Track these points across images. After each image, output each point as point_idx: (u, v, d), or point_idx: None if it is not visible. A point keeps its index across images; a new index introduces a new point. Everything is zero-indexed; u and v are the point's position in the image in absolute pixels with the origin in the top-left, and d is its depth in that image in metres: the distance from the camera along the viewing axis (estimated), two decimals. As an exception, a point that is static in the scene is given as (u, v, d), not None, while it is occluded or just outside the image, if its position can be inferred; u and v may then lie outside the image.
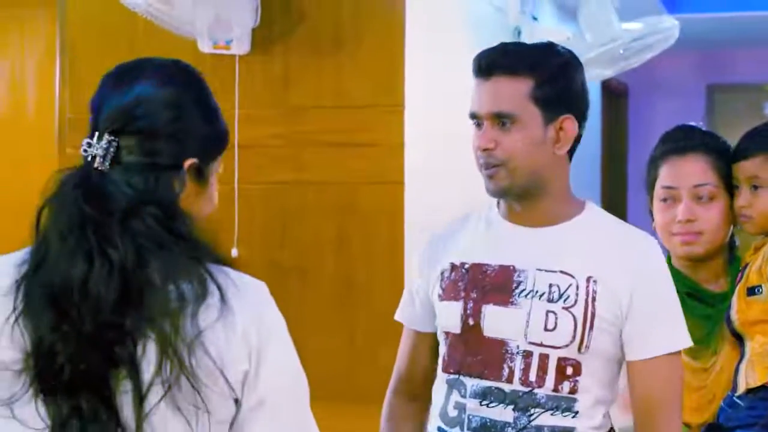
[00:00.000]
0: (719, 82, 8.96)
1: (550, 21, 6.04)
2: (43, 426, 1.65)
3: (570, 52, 2.44)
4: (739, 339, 2.62)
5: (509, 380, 2.31)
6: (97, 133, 1.74)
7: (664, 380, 2.34)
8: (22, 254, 1.73)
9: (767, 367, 2.53)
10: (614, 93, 8.33)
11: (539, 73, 2.33)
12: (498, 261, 2.38)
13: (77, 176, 1.71)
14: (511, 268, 2.36)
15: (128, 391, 1.64)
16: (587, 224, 2.40)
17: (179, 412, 1.66)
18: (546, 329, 2.31)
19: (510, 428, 2.30)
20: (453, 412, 2.37)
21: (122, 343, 1.64)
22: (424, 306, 2.50)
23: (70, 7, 4.37)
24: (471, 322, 2.36)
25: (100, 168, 1.71)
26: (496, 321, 2.34)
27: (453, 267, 2.42)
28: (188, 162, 1.76)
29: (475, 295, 2.37)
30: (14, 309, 1.65)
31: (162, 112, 1.75)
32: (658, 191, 2.74)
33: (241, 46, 3.98)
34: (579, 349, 2.30)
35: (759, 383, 2.53)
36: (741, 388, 2.56)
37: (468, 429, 2.33)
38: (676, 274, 2.65)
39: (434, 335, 2.49)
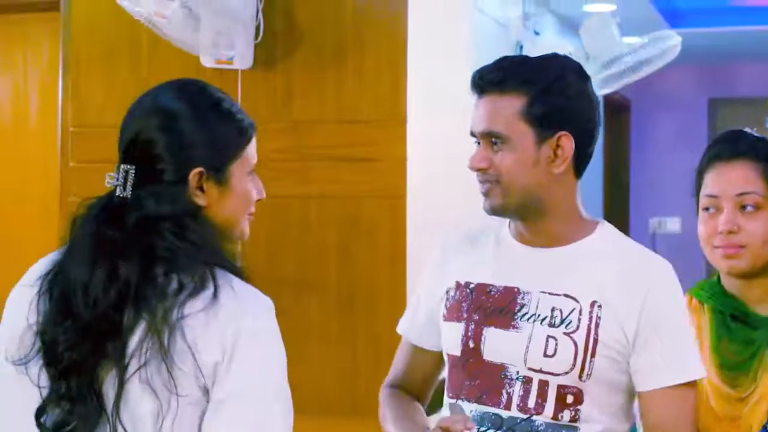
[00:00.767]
0: (721, 96, 8.98)
1: (552, 36, 6.06)
2: (46, 386, 1.88)
3: (572, 62, 2.33)
4: None
5: (507, 406, 2.22)
6: (118, 165, 1.96)
7: (674, 412, 2.22)
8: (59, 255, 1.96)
9: None
10: (616, 107, 8.34)
11: (531, 89, 2.23)
12: (503, 282, 2.30)
13: (102, 201, 1.95)
14: (516, 289, 2.28)
15: (114, 377, 1.85)
16: (597, 246, 2.30)
17: (152, 392, 1.82)
18: (546, 355, 2.21)
19: None
20: None
21: (115, 337, 1.84)
22: (429, 321, 2.43)
23: (74, 22, 4.38)
24: (471, 344, 2.28)
25: (121, 195, 1.93)
26: (496, 344, 2.25)
27: (458, 286, 2.35)
28: (193, 172, 1.93)
29: (477, 317, 2.29)
30: (34, 301, 1.91)
31: (157, 137, 1.94)
32: (702, 200, 2.47)
33: (243, 61, 3.99)
34: (580, 377, 2.20)
35: None
36: None
37: None
38: (720, 295, 2.48)
39: (436, 353, 2.43)
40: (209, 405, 1.84)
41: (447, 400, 2.34)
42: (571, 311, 2.22)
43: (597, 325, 2.20)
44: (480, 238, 2.41)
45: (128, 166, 1.93)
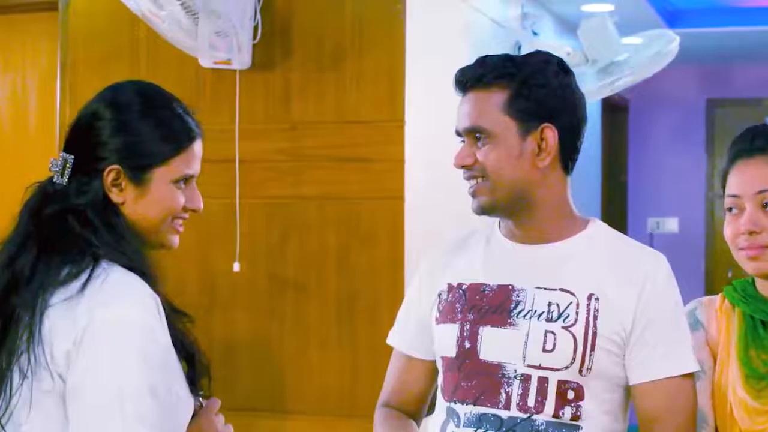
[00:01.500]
0: (719, 96, 8.98)
1: (550, 36, 6.06)
2: None
3: (554, 57, 2.32)
4: None
5: (506, 406, 2.20)
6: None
7: (667, 404, 2.21)
8: None
9: None
10: (614, 107, 8.34)
11: (512, 82, 2.24)
12: (496, 281, 2.28)
13: (40, 188, 2.08)
14: (510, 287, 2.26)
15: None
16: (591, 241, 2.30)
17: (23, 377, 1.91)
18: (544, 350, 2.19)
19: None
20: None
21: (4, 322, 1.95)
22: (420, 330, 2.40)
23: (72, 23, 4.38)
24: (467, 345, 2.25)
25: (57, 181, 2.05)
26: (493, 343, 2.23)
27: (450, 288, 2.34)
28: (108, 169, 2.02)
29: (472, 317, 2.26)
30: None
31: (81, 131, 2.06)
32: (726, 200, 2.35)
33: (241, 62, 3.99)
34: (580, 371, 2.18)
35: None
36: None
37: None
38: (752, 298, 2.35)
39: (429, 363, 2.41)
40: (65, 394, 1.90)
41: (442, 403, 2.31)
42: (569, 305, 2.21)
43: (595, 317, 2.20)
44: (470, 240, 2.41)
45: (67, 155, 2.05)
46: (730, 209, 2.34)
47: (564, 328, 2.20)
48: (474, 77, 2.27)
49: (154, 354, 1.91)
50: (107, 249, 1.97)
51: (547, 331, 2.20)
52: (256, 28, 4.01)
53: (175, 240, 2.12)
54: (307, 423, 4.03)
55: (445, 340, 2.31)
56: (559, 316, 2.21)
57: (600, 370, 2.20)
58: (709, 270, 8.80)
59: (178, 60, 4.07)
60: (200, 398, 2.10)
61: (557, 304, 2.22)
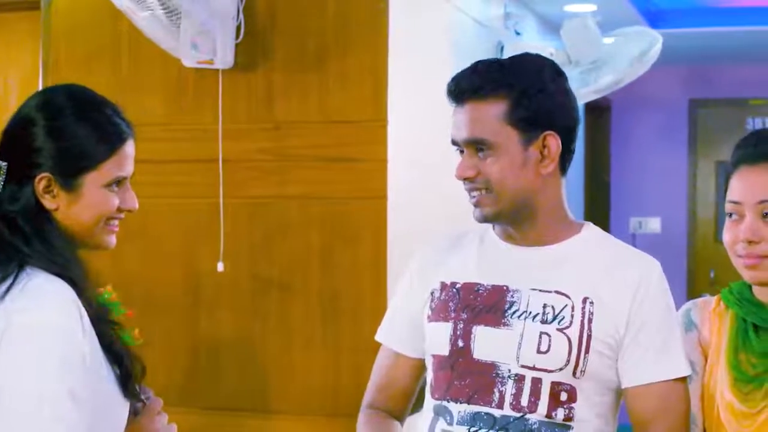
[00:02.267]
0: (702, 96, 9.00)
1: (533, 36, 6.07)
2: None
3: (546, 60, 2.31)
4: None
5: (500, 405, 2.20)
6: None
7: (660, 406, 2.22)
8: None
9: None
10: (597, 107, 8.36)
11: (512, 92, 2.22)
12: (491, 281, 2.28)
13: None
14: (504, 288, 2.26)
15: None
16: (586, 244, 2.31)
17: None
18: (539, 351, 2.20)
19: None
20: None
21: None
22: (410, 326, 2.40)
23: (54, 23, 4.36)
24: (460, 344, 2.25)
25: None
26: (486, 343, 2.23)
27: (443, 287, 2.33)
28: (39, 176, 2.01)
29: (465, 316, 2.26)
30: None
31: (15, 137, 2.04)
32: (726, 204, 2.34)
33: (224, 62, 3.98)
34: (574, 373, 2.20)
35: None
36: None
37: None
38: (747, 302, 2.35)
39: (416, 361, 2.41)
40: None
41: (431, 401, 2.31)
42: (564, 307, 2.22)
43: (590, 320, 2.21)
44: (463, 239, 2.41)
45: (1, 162, 2.03)
46: (730, 215, 2.32)
47: (559, 330, 2.21)
48: (470, 88, 2.24)
49: (75, 357, 1.90)
50: (37, 256, 1.97)
51: (541, 333, 2.21)
52: (238, 28, 4.01)
53: (112, 240, 2.11)
54: (291, 422, 4.03)
55: (437, 338, 2.31)
56: (554, 318, 2.22)
57: (593, 373, 2.21)
58: (691, 270, 8.82)
59: (160, 59, 4.06)
60: (146, 399, 2.11)
61: (552, 306, 2.23)
